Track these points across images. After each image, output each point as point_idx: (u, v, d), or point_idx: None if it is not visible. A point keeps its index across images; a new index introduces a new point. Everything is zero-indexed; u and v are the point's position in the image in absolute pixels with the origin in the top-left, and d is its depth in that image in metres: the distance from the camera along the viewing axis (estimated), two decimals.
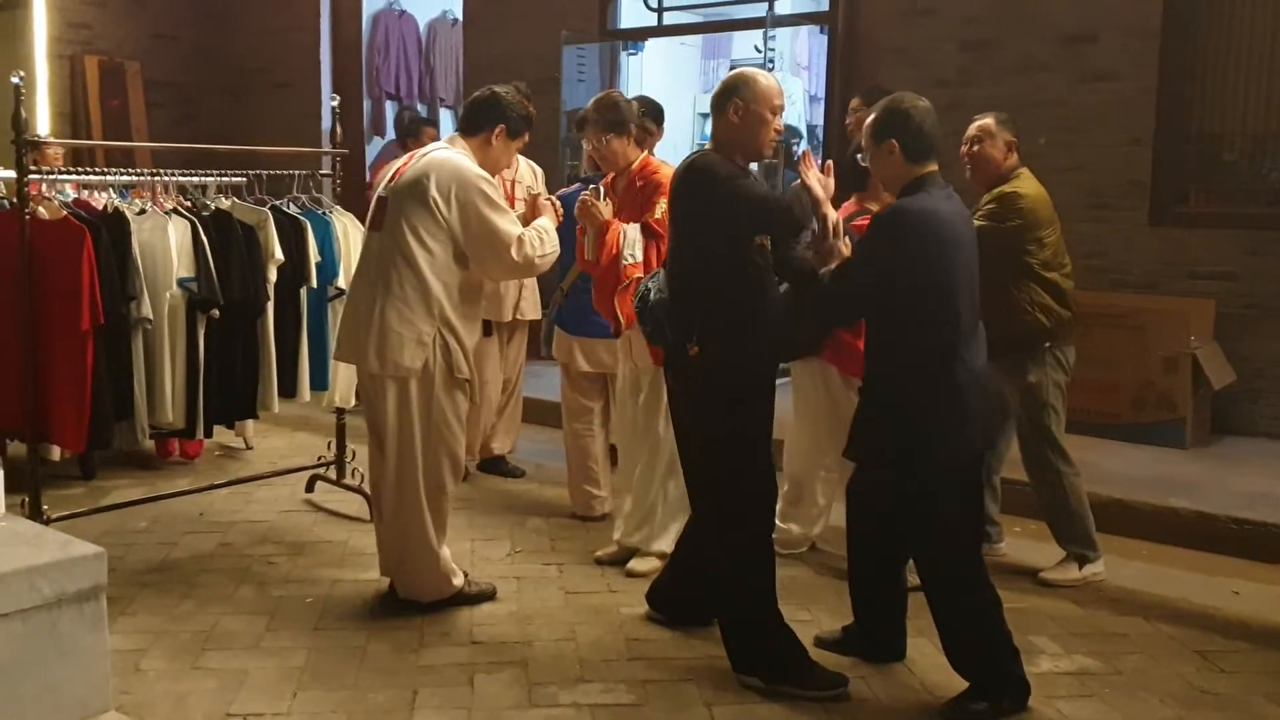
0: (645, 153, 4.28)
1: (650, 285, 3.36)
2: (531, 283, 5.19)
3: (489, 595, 3.78)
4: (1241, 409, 5.75)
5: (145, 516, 4.52)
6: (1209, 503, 4.65)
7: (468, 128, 3.70)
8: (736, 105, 3.20)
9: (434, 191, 3.45)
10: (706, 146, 3.33)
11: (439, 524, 3.63)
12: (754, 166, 3.53)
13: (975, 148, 3.99)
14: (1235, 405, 5.73)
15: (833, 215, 3.17)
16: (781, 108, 3.25)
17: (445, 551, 3.67)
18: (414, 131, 7.93)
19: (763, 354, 3.26)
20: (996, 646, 3.06)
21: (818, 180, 3.15)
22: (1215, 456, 5.42)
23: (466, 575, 3.77)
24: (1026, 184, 3.96)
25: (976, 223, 3.79)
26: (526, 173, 5.30)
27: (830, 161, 3.28)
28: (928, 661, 3.37)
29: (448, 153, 3.58)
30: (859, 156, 3.24)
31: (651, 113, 5.50)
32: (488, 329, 5.08)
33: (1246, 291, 5.69)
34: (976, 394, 3.05)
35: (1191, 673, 3.39)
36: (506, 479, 5.29)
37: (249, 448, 5.57)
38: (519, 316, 5.20)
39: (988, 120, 3.99)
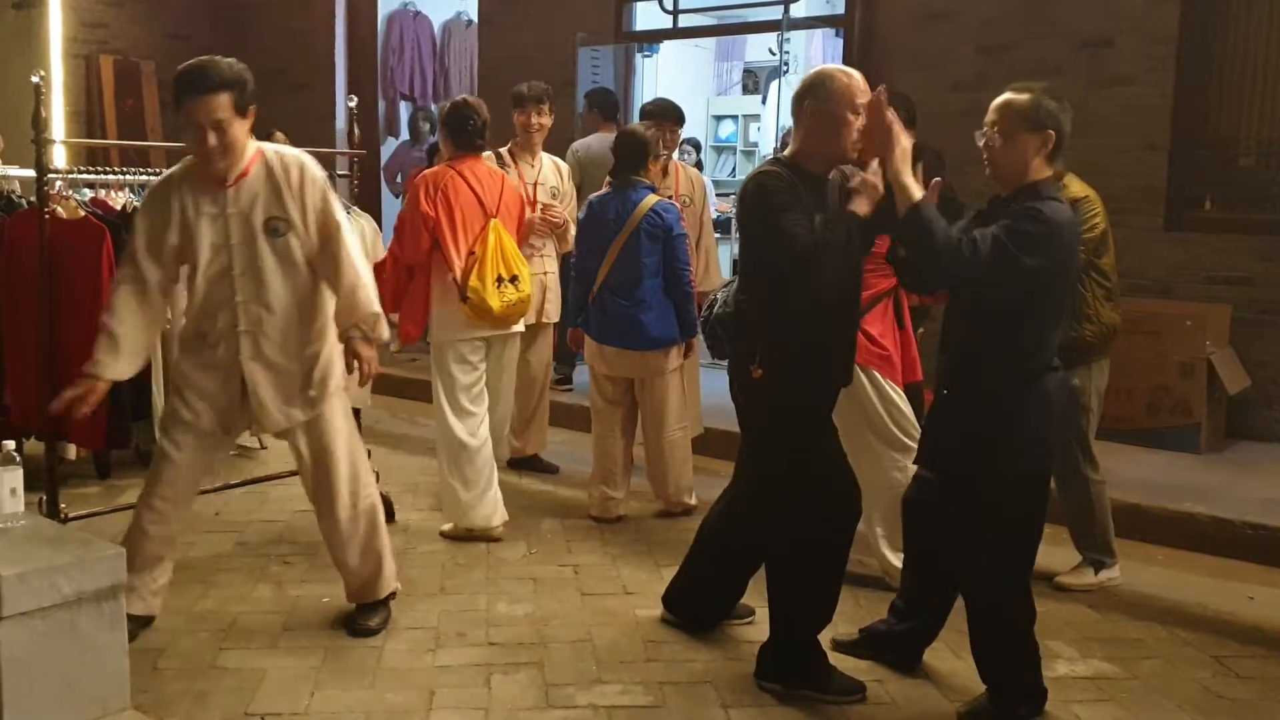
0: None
1: (719, 296, 3.33)
2: (554, 284, 5.19)
3: None
4: (1256, 414, 5.73)
5: None
6: (1225, 508, 4.63)
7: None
8: (810, 108, 3.01)
9: None
10: (786, 154, 3.14)
11: None
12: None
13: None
14: (1250, 410, 5.72)
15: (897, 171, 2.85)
16: (864, 105, 2.97)
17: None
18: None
19: (830, 380, 3.18)
20: (1024, 656, 3.04)
21: (868, 195, 2.92)
22: (1230, 462, 5.41)
23: None
24: (1081, 187, 3.96)
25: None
26: (550, 172, 5.26)
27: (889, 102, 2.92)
28: (945, 666, 3.37)
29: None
30: (978, 135, 2.95)
31: (672, 115, 5.55)
32: None
33: (1262, 297, 5.68)
34: (1058, 406, 3.04)
35: (1208, 678, 3.39)
36: (540, 475, 5.40)
37: (263, 447, 5.58)
38: (543, 319, 5.18)
39: None
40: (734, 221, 3.35)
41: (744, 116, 11.38)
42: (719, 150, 11.47)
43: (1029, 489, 3.00)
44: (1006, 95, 2.95)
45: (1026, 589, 3.07)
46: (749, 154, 11.33)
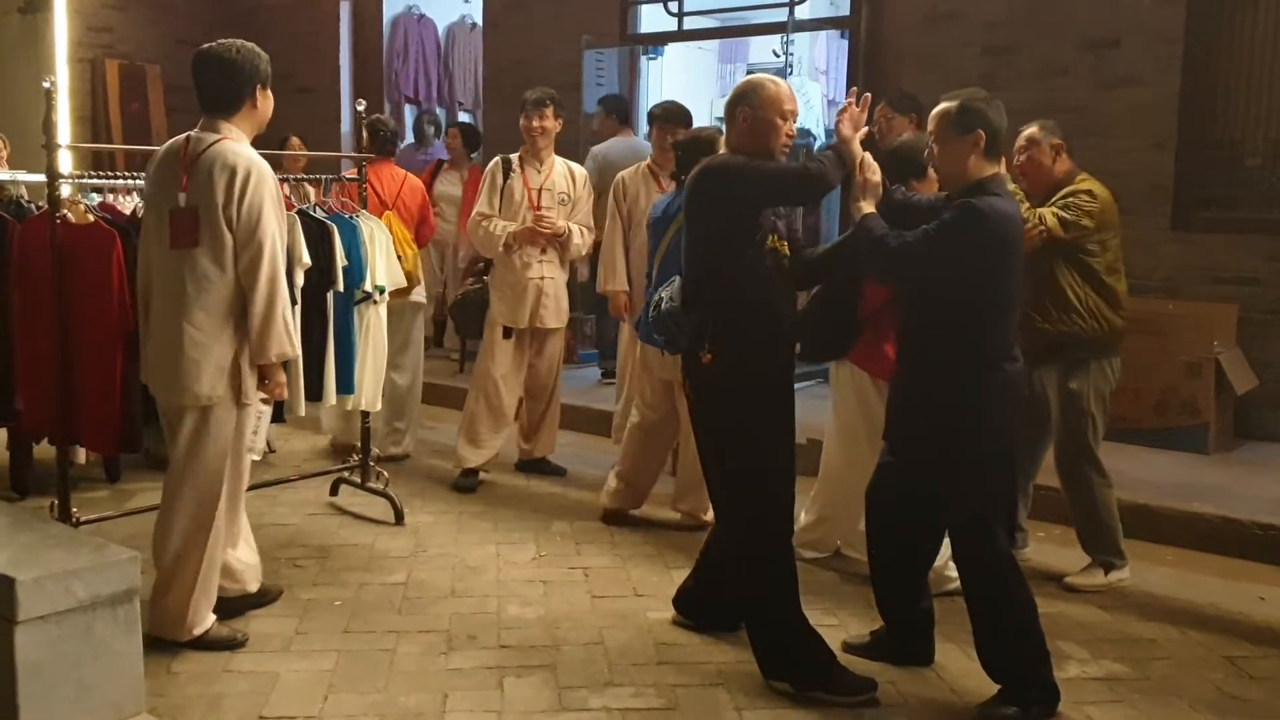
0: None
1: (663, 294, 3.37)
2: (553, 290, 5.16)
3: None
4: (1264, 414, 5.73)
5: None
6: (1234, 508, 4.63)
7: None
8: (744, 113, 3.25)
9: None
10: (723, 155, 3.38)
11: None
12: None
13: (1024, 157, 4.03)
14: (1257, 410, 5.71)
15: (858, 152, 3.18)
16: (792, 112, 3.27)
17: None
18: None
19: (778, 357, 3.28)
20: (1031, 651, 3.06)
21: (850, 119, 3.18)
22: (1238, 462, 5.41)
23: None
24: (1093, 184, 3.98)
25: (1049, 217, 3.82)
26: (561, 178, 5.22)
27: (867, 95, 3.27)
28: (956, 666, 3.37)
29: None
30: (927, 150, 3.18)
31: (679, 118, 5.54)
32: (507, 333, 5.16)
33: (1269, 296, 5.68)
34: (1013, 395, 3.08)
35: (1221, 679, 3.38)
36: (549, 477, 5.43)
37: (272, 450, 5.59)
38: (539, 325, 5.17)
39: (1032, 129, 4.04)
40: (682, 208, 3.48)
41: None
42: None
43: (990, 471, 3.07)
44: (939, 105, 3.15)
45: (1019, 578, 3.10)
46: None
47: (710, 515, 4.57)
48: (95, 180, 4.41)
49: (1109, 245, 4.00)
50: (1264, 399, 5.68)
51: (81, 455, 4.63)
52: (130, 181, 4.42)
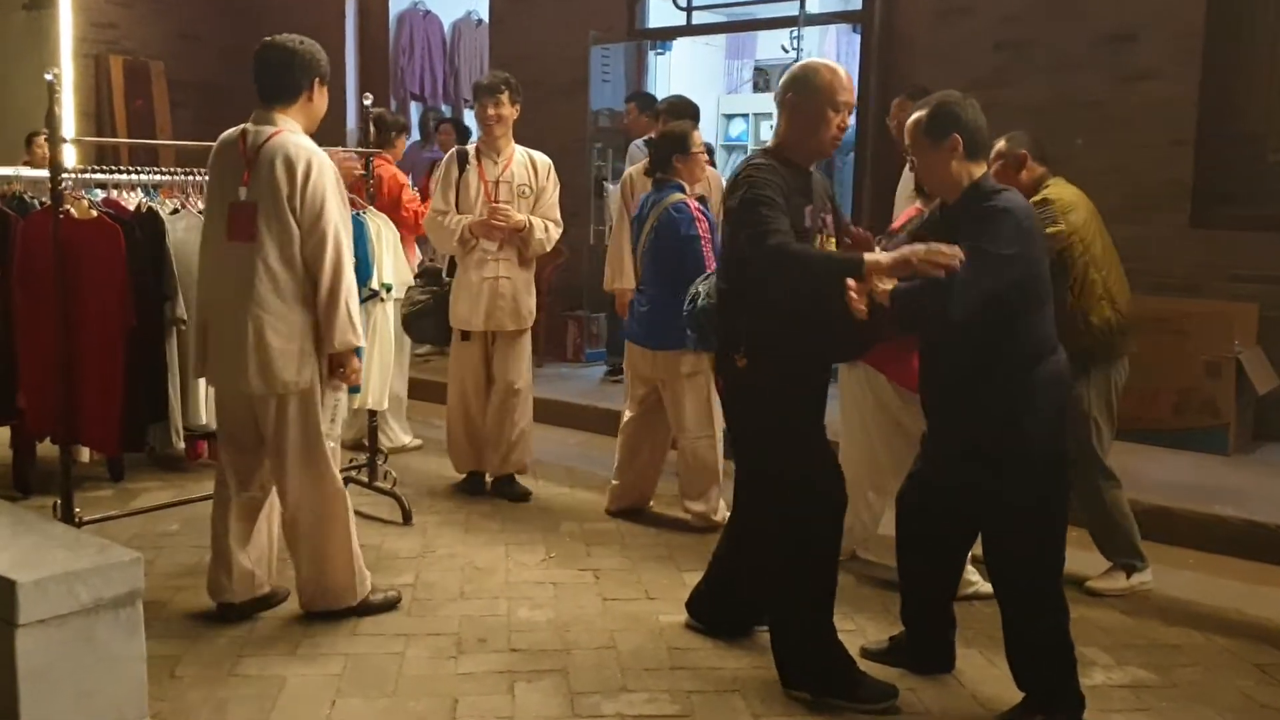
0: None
1: (700, 289, 3.27)
2: (510, 290, 4.76)
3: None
4: None
5: (176, 519, 4.46)
6: (1257, 511, 4.55)
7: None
8: (791, 101, 3.04)
9: None
10: (771, 145, 3.12)
11: None
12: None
13: (993, 169, 3.92)
14: (1277, 411, 5.62)
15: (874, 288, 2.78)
16: (848, 104, 3.02)
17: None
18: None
19: (814, 361, 3.14)
20: (1062, 660, 2.97)
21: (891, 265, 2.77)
22: (1259, 463, 5.32)
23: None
24: (1055, 189, 3.87)
25: None
26: (521, 169, 4.81)
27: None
28: (977, 673, 3.29)
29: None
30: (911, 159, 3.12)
31: (687, 113, 5.48)
32: (465, 335, 4.85)
33: None
34: (1062, 388, 2.98)
35: (1250, 686, 3.30)
36: (550, 482, 5.23)
37: None
38: (496, 327, 4.78)
39: (1000, 143, 3.85)
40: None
41: (755, 115, 11.31)
42: (729, 149, 11.40)
43: (1045, 471, 2.94)
44: (912, 116, 3.00)
45: (1058, 587, 3.00)
46: None
47: (721, 517, 4.53)
48: (99, 175, 4.36)
49: (1089, 242, 3.87)
50: None
51: (85, 454, 4.57)
52: (134, 177, 4.37)
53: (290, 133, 3.34)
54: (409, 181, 5.83)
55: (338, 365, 3.41)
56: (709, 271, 3.37)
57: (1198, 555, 4.42)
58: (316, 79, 3.46)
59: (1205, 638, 3.64)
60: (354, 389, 4.32)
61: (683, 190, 4.54)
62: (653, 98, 7.14)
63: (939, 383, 3.08)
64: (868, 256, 2.80)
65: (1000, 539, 3.02)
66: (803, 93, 3.03)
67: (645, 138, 6.70)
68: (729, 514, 3.56)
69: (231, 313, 3.34)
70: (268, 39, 3.49)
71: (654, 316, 4.49)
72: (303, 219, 3.29)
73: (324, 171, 3.31)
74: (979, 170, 2.96)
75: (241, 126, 3.41)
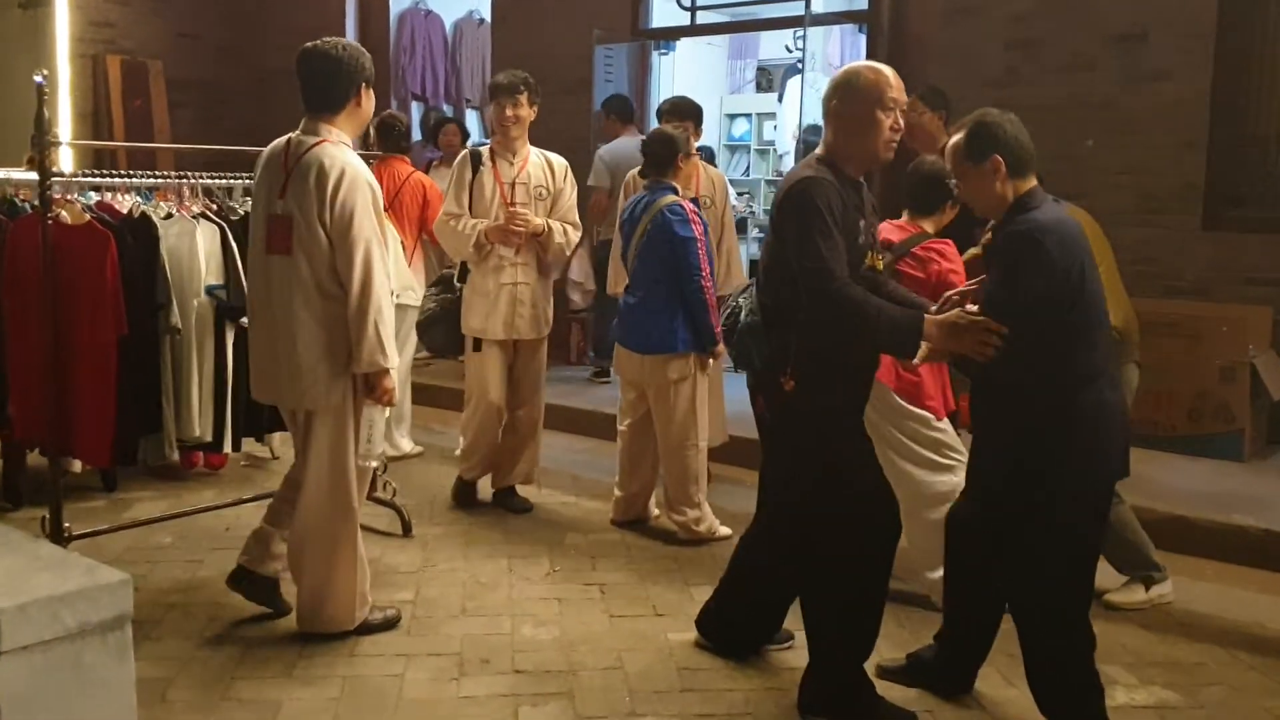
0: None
1: (740, 303, 3.12)
2: (530, 297, 4.64)
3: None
4: None
5: (170, 532, 4.37)
6: (1276, 520, 4.44)
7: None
8: (836, 109, 2.90)
9: None
10: (823, 153, 2.96)
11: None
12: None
13: None
14: None
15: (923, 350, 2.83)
16: (897, 100, 2.87)
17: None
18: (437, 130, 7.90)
19: (864, 382, 3.04)
20: (1086, 686, 2.86)
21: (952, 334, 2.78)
22: (1276, 470, 5.22)
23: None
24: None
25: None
26: (538, 170, 4.68)
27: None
28: (996, 694, 3.19)
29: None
30: (950, 183, 3.00)
31: (690, 113, 5.39)
32: (478, 345, 4.69)
33: None
34: (1120, 416, 2.86)
35: (1278, 707, 3.20)
36: (554, 490, 5.13)
37: (275, 457, 5.42)
38: (516, 336, 4.65)
39: None
40: (769, 217, 3.10)
41: (758, 115, 11.22)
42: (732, 149, 11.31)
43: (1080, 496, 2.82)
44: (951, 139, 2.90)
45: (1085, 613, 2.89)
46: (763, 153, 11.16)
47: (705, 528, 4.43)
48: (90, 179, 4.26)
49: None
50: None
51: (76, 464, 4.48)
52: (130, 180, 4.27)
53: (333, 143, 3.29)
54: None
55: (371, 385, 3.33)
56: (748, 284, 3.23)
57: (1216, 565, 4.32)
58: (362, 84, 3.38)
59: (1229, 654, 3.54)
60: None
61: (676, 192, 4.45)
62: (622, 100, 7.08)
63: (984, 400, 2.96)
64: (926, 327, 2.77)
65: (1031, 561, 2.89)
66: (848, 98, 2.89)
67: (614, 140, 6.76)
68: (749, 532, 3.40)
69: (268, 325, 3.31)
70: (308, 46, 3.40)
71: (642, 319, 4.40)
72: (332, 232, 3.21)
73: (357, 185, 3.23)
74: (1025, 185, 2.84)
75: (288, 136, 3.36)
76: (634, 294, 4.48)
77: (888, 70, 2.92)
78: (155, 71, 9.40)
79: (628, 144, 6.82)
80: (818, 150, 2.98)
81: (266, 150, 3.43)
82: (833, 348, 2.88)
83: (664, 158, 4.44)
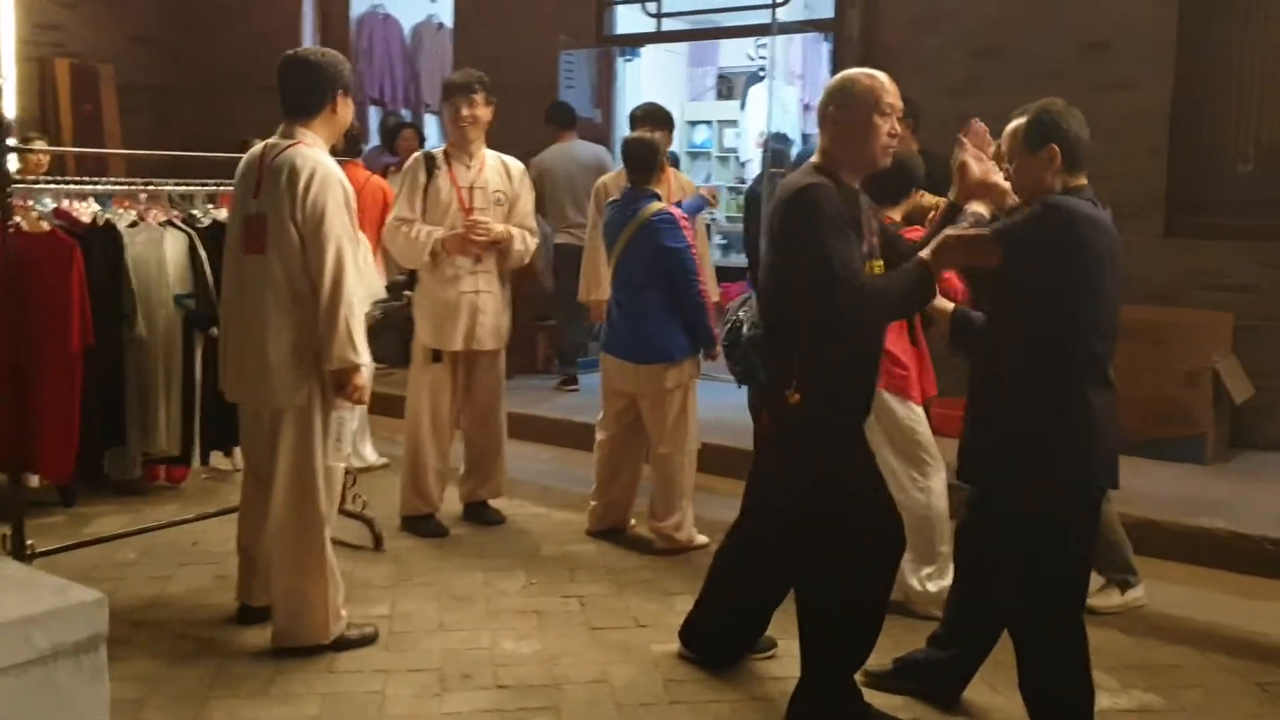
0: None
1: (741, 315, 3.06)
2: (490, 306, 4.50)
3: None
4: (1260, 423, 5.64)
5: (134, 548, 4.25)
6: (1242, 522, 4.51)
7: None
8: (833, 115, 2.89)
9: None
10: (819, 161, 2.93)
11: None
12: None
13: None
14: (1254, 419, 5.62)
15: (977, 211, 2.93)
16: (895, 106, 2.86)
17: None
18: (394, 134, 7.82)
19: (867, 393, 3.02)
20: (1077, 693, 2.86)
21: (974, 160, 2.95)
22: (1237, 473, 5.30)
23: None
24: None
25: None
26: (495, 174, 4.53)
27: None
28: (983, 701, 3.20)
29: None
30: (1006, 166, 2.94)
31: (661, 120, 5.38)
32: (436, 357, 4.53)
33: (1263, 304, 5.58)
34: (1114, 421, 2.84)
35: (1255, 707, 3.24)
36: (527, 500, 5.07)
37: (237, 469, 5.30)
38: (474, 347, 4.51)
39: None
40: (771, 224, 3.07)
41: (719, 122, 11.24)
42: (694, 155, 11.32)
43: (1071, 500, 2.82)
44: (1012, 123, 2.92)
45: (1078, 618, 2.89)
46: (724, 160, 11.19)
47: (685, 536, 4.40)
48: (50, 185, 4.14)
49: None
50: (1260, 408, 5.59)
51: (34, 478, 4.34)
52: (85, 186, 4.16)
53: (308, 146, 3.33)
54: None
55: (340, 384, 3.31)
56: (745, 296, 3.20)
57: (1184, 568, 4.38)
58: (339, 91, 3.44)
59: (1204, 656, 3.58)
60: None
61: (659, 199, 4.43)
62: (560, 106, 7.14)
63: (981, 407, 2.94)
64: (929, 261, 2.81)
65: (1018, 564, 2.87)
66: (844, 104, 2.88)
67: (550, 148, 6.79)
68: (729, 541, 3.36)
69: (240, 324, 3.34)
70: (289, 53, 3.47)
71: (637, 330, 4.36)
72: (304, 230, 3.25)
73: (328, 184, 3.26)
74: (1076, 181, 2.82)
75: (265, 140, 3.41)
76: (623, 304, 4.43)
77: (883, 76, 2.92)
78: (106, 76, 9.20)
79: (563, 150, 6.83)
80: (813, 158, 2.97)
81: (246, 154, 3.47)
82: (837, 359, 2.86)
83: (646, 163, 4.40)
